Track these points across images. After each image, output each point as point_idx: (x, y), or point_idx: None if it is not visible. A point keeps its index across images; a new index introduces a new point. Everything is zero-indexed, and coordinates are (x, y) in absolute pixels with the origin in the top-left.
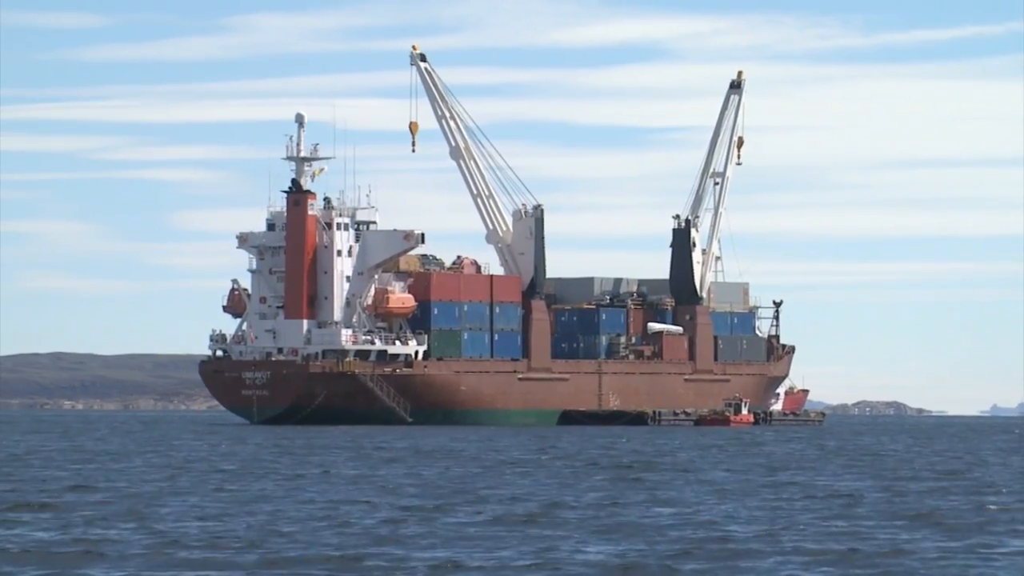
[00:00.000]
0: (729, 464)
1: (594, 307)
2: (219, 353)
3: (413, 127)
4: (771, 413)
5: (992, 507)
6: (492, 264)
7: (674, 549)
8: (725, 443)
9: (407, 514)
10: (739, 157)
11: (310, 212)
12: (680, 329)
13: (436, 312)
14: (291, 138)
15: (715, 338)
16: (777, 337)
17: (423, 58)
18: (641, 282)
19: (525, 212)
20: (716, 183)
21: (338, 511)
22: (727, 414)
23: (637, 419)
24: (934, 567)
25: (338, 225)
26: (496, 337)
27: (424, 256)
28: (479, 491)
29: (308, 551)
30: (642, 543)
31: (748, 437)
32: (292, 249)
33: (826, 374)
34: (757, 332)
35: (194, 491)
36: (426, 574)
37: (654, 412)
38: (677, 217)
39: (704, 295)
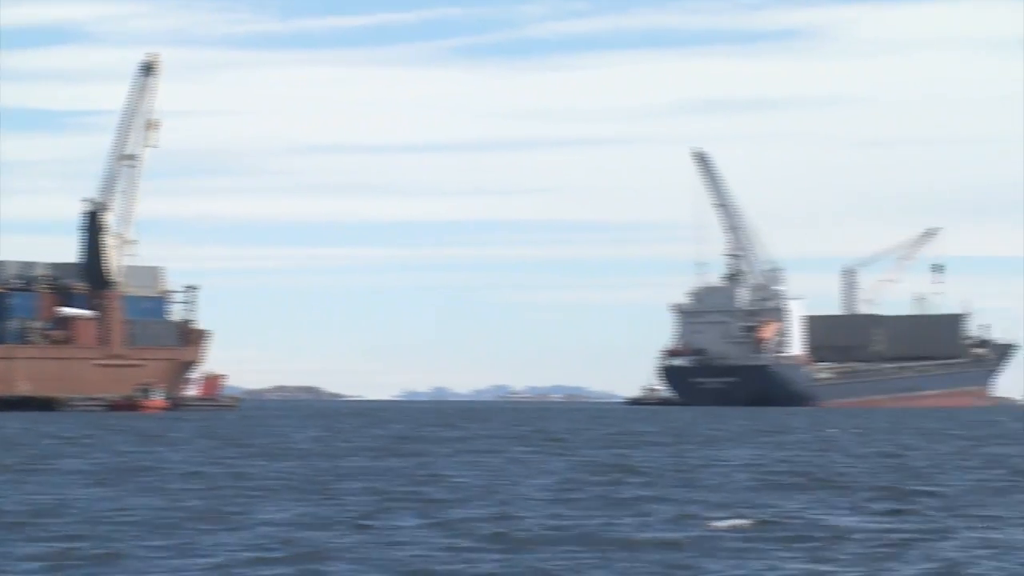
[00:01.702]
0: None
1: (4, 291)
2: None
3: None
4: (183, 398)
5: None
6: None
7: None
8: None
9: None
10: (154, 140)
11: None
12: (92, 313)
13: None
14: None
15: (127, 322)
16: (191, 322)
17: None
18: (52, 266)
19: None
20: (130, 166)
21: None
22: (138, 400)
23: (47, 405)
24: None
25: None
26: None
27: None
28: None
29: None
30: None
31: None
32: None
33: (245, 359)
34: (170, 316)
35: None
36: None
37: (64, 398)
38: (88, 201)
39: (116, 279)
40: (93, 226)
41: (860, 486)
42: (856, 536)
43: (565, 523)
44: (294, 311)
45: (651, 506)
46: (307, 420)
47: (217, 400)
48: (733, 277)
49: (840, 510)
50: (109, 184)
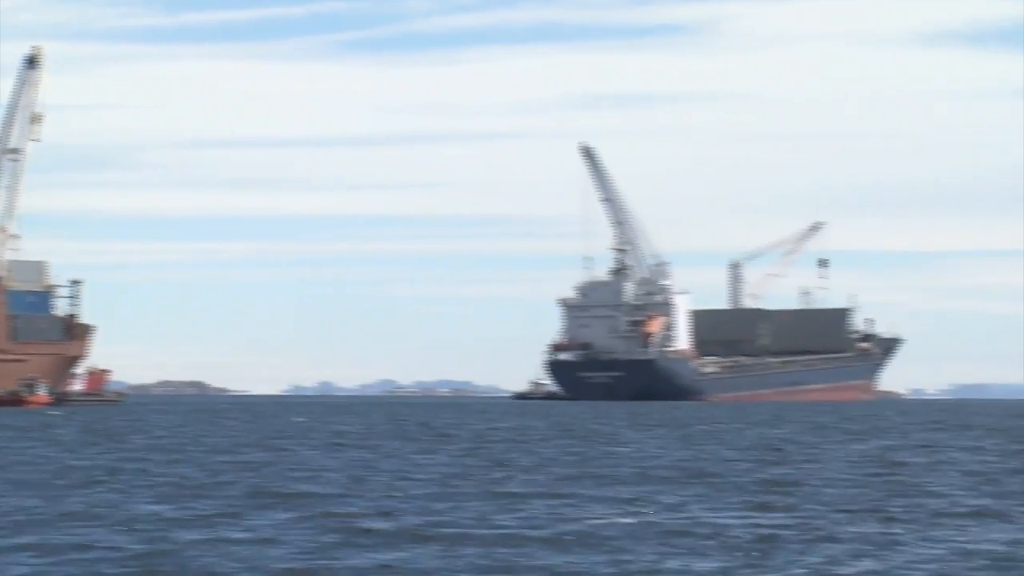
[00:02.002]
0: None
1: None
2: None
3: None
4: (68, 393)
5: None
6: None
7: None
8: None
9: None
10: (38, 134)
11: None
12: None
13: None
14: None
15: (11, 317)
16: (76, 316)
17: None
18: None
19: None
20: (13, 160)
21: None
22: (22, 395)
23: None
24: None
25: None
26: None
27: None
28: None
29: None
30: None
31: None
32: None
33: (130, 353)
34: (55, 311)
35: None
36: None
37: None
38: None
39: (0, 273)
40: None
41: (742, 480)
42: (737, 531)
43: (444, 518)
44: (179, 305)
45: (533, 501)
46: (191, 415)
47: (102, 395)
48: (619, 272)
49: (722, 505)
50: None
